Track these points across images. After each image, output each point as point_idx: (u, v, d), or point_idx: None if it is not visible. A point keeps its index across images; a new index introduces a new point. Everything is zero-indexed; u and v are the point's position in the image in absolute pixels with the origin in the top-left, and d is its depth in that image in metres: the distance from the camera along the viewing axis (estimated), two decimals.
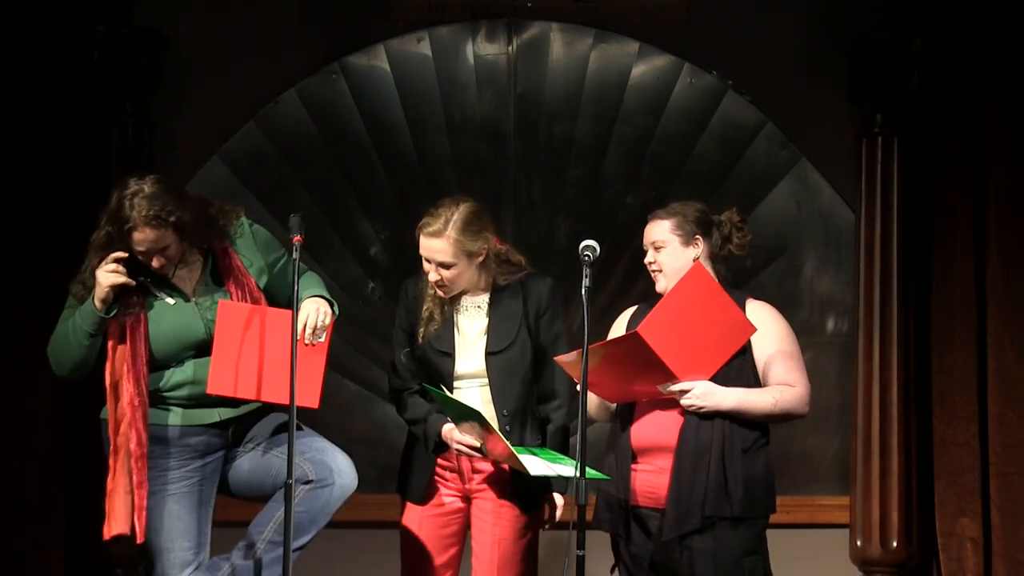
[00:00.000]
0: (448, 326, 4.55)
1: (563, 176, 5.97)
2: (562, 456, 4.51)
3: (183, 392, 4.31)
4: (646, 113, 5.97)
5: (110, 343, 4.27)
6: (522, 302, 4.56)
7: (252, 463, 4.38)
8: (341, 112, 5.97)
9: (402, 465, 4.64)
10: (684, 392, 4.36)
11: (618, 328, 4.63)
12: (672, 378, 4.34)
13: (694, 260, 4.47)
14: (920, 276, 5.84)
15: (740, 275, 5.86)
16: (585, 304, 4.26)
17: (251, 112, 5.95)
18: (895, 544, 5.74)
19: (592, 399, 4.56)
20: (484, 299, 4.57)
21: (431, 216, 4.49)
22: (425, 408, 4.54)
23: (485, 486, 4.53)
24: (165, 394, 4.30)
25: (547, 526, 4.59)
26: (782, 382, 4.44)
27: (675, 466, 4.36)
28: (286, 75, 5.96)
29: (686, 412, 4.38)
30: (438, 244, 4.45)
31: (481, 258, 4.51)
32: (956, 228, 5.77)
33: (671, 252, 4.49)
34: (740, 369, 4.42)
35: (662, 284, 4.52)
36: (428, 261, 4.49)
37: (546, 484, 4.53)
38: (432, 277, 4.49)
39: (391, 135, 5.95)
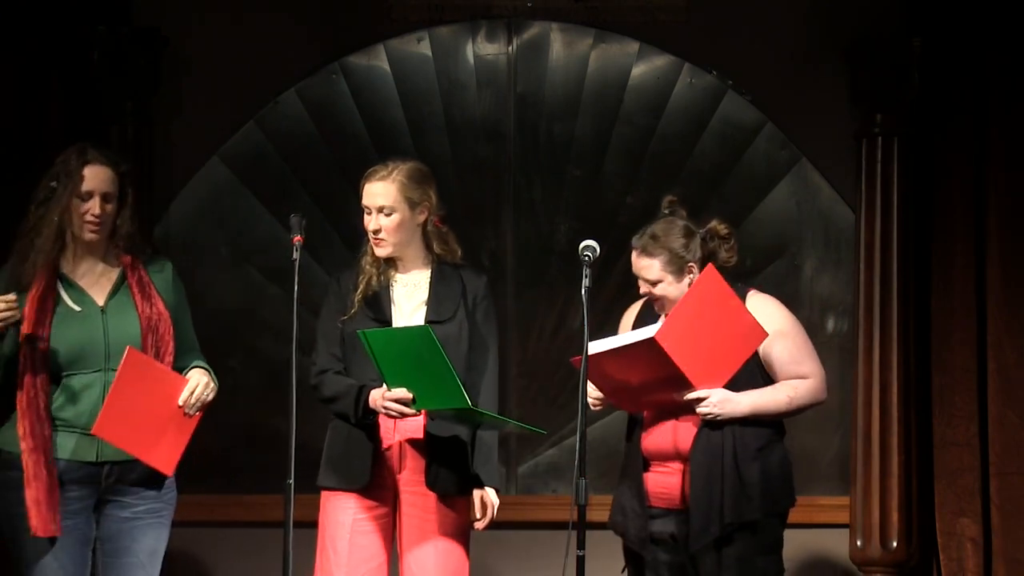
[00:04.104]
0: (384, 298, 4.51)
1: (563, 176, 5.97)
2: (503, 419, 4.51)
3: (79, 409, 4.25)
4: (646, 113, 5.97)
5: (21, 339, 4.24)
6: (461, 287, 4.54)
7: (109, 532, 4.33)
8: (341, 112, 5.97)
9: (331, 456, 4.51)
10: (700, 400, 4.34)
11: (626, 321, 4.61)
12: (688, 386, 4.33)
13: (688, 284, 4.45)
14: (920, 276, 5.83)
15: (740, 275, 5.86)
16: (585, 304, 4.26)
17: (251, 112, 5.95)
18: (895, 544, 5.74)
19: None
20: (424, 277, 4.54)
21: (378, 166, 4.52)
22: (348, 382, 4.46)
23: (415, 479, 4.45)
24: (56, 413, 4.24)
25: (480, 525, 4.52)
26: (795, 375, 4.44)
27: (691, 475, 4.34)
28: (286, 75, 5.96)
29: (700, 420, 4.36)
30: (381, 187, 4.46)
31: (422, 217, 4.51)
32: (956, 228, 5.77)
33: (666, 286, 4.46)
34: (751, 372, 4.41)
35: (662, 308, 4.50)
36: (369, 212, 4.48)
37: (467, 464, 4.47)
38: (372, 226, 4.47)
39: (391, 135, 5.95)
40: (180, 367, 4.37)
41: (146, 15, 5.86)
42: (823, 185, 5.97)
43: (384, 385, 4.38)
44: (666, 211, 4.55)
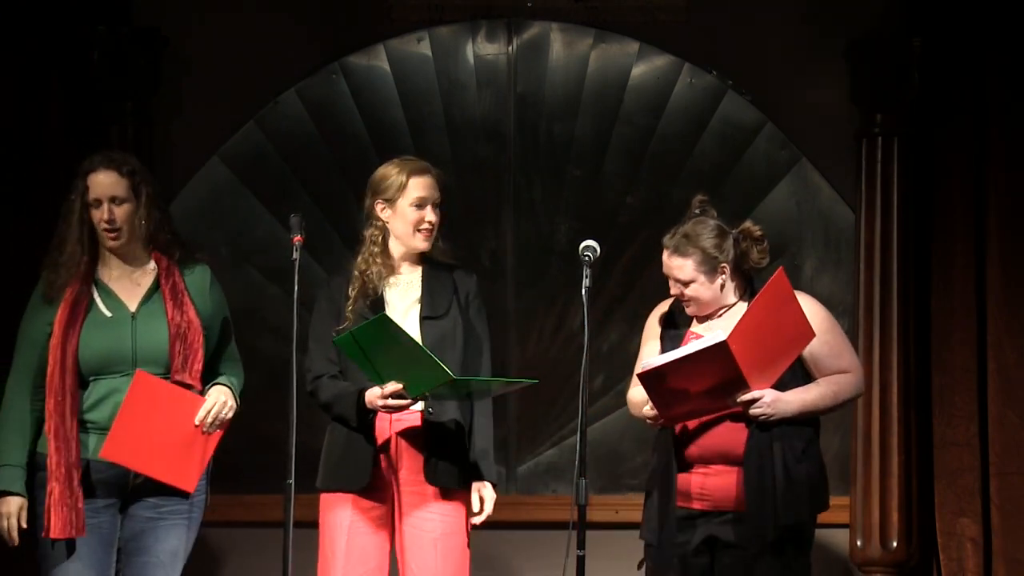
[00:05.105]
0: (378, 298, 4.52)
1: (563, 176, 5.97)
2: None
3: (105, 411, 4.29)
4: (646, 113, 5.97)
5: (50, 345, 4.29)
6: (452, 286, 4.56)
7: (132, 533, 4.36)
8: (341, 112, 5.97)
9: (330, 458, 4.52)
10: (753, 401, 4.33)
11: (653, 322, 4.60)
12: (744, 388, 4.31)
13: (720, 287, 4.46)
14: (920, 276, 5.83)
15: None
16: (585, 304, 4.27)
17: (251, 112, 5.95)
18: (895, 544, 5.74)
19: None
20: (415, 276, 4.57)
21: (410, 159, 4.59)
22: (343, 386, 4.47)
23: (413, 478, 4.45)
24: (86, 415, 4.28)
25: (476, 520, 4.52)
26: (835, 370, 4.44)
27: (746, 476, 4.32)
28: (286, 75, 5.96)
29: (750, 421, 4.35)
30: (433, 182, 4.56)
31: None
32: (956, 228, 5.77)
33: (699, 287, 4.44)
34: (793, 370, 4.40)
35: (692, 310, 4.49)
36: (423, 206, 4.53)
37: (465, 458, 4.47)
38: (429, 218, 4.52)
39: (391, 135, 5.95)
40: (211, 377, 4.41)
41: (146, 15, 5.86)
42: (823, 185, 5.97)
43: (376, 385, 4.39)
44: (696, 211, 4.53)
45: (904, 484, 5.75)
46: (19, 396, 4.34)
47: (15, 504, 4.28)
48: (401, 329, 4.28)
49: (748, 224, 4.50)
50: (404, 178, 4.53)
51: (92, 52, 5.74)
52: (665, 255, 4.47)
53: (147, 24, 5.82)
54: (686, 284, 4.44)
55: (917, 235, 5.84)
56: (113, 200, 4.34)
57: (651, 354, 4.45)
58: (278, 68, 5.94)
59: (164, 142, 5.87)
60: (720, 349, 4.20)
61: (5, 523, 4.28)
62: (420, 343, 4.30)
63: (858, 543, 5.78)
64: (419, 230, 4.53)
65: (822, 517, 5.81)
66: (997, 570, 5.67)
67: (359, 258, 4.56)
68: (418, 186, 4.52)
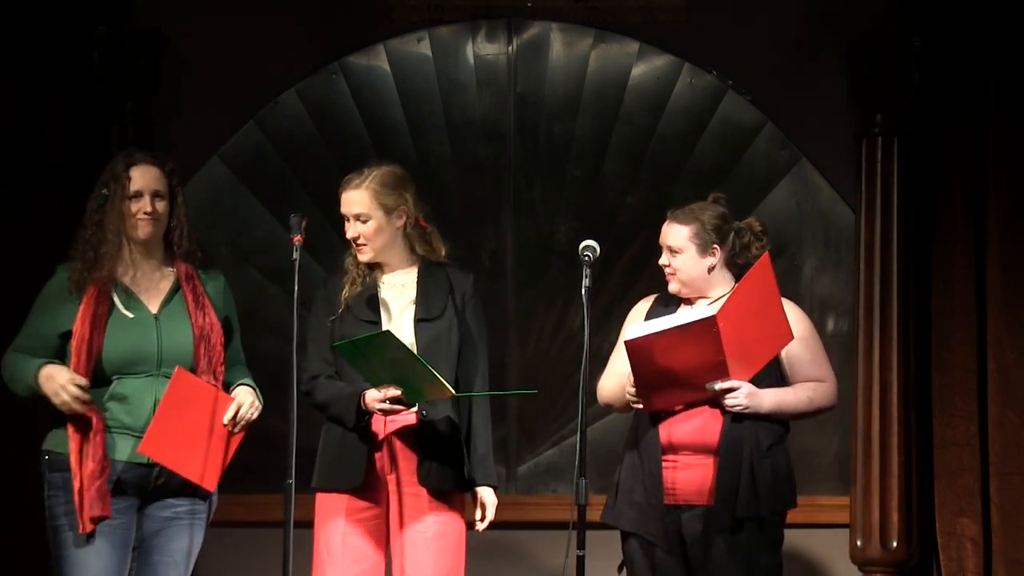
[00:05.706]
0: (372, 298, 4.52)
1: (563, 176, 5.98)
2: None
3: (125, 410, 4.28)
4: (646, 113, 5.97)
5: (73, 343, 4.28)
6: (448, 285, 4.55)
7: (150, 532, 4.36)
8: (341, 112, 5.98)
9: (325, 458, 4.51)
10: (730, 390, 4.34)
11: (636, 315, 4.61)
12: (724, 376, 4.33)
13: (708, 269, 4.47)
14: (920, 276, 5.84)
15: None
16: (585, 304, 4.27)
17: (251, 112, 5.95)
18: (895, 544, 5.74)
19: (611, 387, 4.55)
20: (410, 277, 4.56)
21: (353, 173, 4.56)
22: (340, 387, 4.47)
23: (408, 479, 4.45)
24: (106, 414, 4.27)
25: (480, 527, 4.52)
26: (812, 378, 4.47)
27: (720, 466, 4.34)
28: (286, 75, 5.96)
29: (724, 411, 4.36)
30: (356, 195, 4.50)
31: (401, 221, 4.53)
32: (956, 228, 5.77)
33: (686, 259, 4.47)
34: (769, 370, 4.42)
35: (674, 287, 4.51)
36: (347, 219, 4.52)
37: (460, 459, 4.47)
38: (350, 233, 4.51)
39: (391, 135, 5.95)
40: (227, 381, 4.42)
41: (146, 15, 5.86)
42: (823, 185, 5.97)
43: (374, 387, 4.39)
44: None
45: (904, 484, 5.75)
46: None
47: (54, 368, 4.23)
48: (404, 346, 4.28)
49: (752, 220, 4.58)
50: (339, 192, 4.56)
51: (92, 52, 5.74)
52: (664, 225, 4.52)
53: (147, 24, 5.82)
54: (674, 253, 4.46)
55: (917, 235, 5.84)
56: (155, 194, 4.35)
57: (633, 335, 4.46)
58: (278, 68, 5.94)
59: (164, 142, 5.86)
60: (707, 324, 4.23)
61: (67, 395, 4.20)
62: (422, 359, 4.29)
63: (858, 543, 5.78)
64: (350, 242, 4.54)
65: (822, 517, 5.86)
66: (997, 570, 5.67)
67: (350, 257, 4.57)
68: (342, 201, 4.55)
